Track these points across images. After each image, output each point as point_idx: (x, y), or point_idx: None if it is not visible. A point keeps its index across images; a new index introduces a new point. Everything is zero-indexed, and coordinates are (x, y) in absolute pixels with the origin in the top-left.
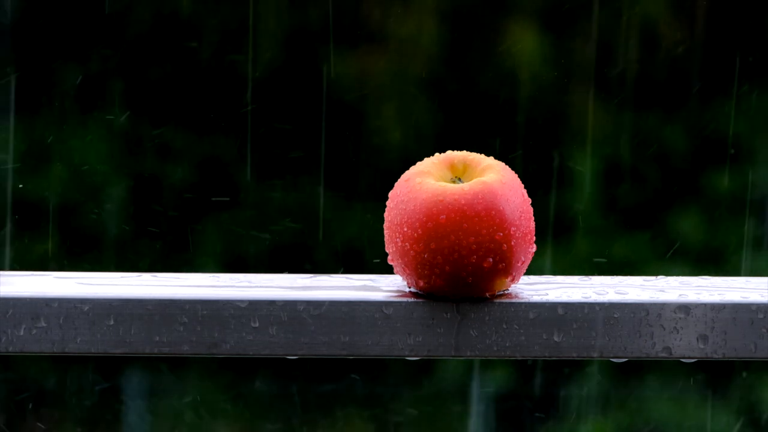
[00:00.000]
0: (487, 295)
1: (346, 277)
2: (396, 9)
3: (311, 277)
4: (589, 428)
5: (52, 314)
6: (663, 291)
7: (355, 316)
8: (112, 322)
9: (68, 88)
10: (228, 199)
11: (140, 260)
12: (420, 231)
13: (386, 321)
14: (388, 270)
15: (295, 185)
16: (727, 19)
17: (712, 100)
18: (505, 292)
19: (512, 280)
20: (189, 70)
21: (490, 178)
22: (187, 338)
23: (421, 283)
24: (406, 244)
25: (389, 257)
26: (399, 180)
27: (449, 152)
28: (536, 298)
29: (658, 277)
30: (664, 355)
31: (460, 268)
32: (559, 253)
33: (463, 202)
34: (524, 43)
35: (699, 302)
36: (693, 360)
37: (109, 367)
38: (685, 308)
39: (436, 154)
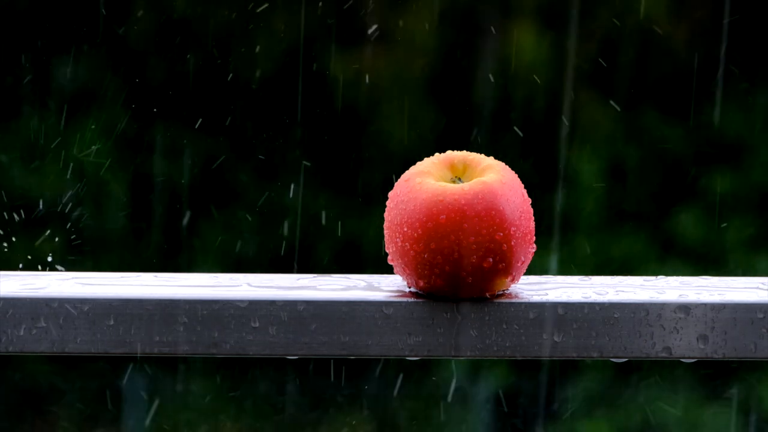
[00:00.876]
0: (487, 295)
1: (346, 277)
2: (396, 9)
3: (311, 277)
4: (588, 428)
5: (52, 314)
6: (663, 291)
7: (355, 316)
8: (112, 322)
9: (67, 88)
10: (227, 198)
11: (140, 260)
12: (420, 231)
13: (386, 321)
14: (388, 270)
15: (295, 185)
16: (728, 19)
17: (712, 100)
18: (505, 292)
19: (512, 280)
20: (189, 70)
21: (490, 178)
22: (187, 338)
23: (421, 283)
24: (406, 244)
25: (389, 257)
26: (399, 180)
27: (449, 152)
28: (536, 298)
29: (658, 277)
30: (664, 355)
31: (460, 268)
32: (559, 253)
33: (463, 202)
34: (524, 43)
35: (699, 302)
36: (693, 360)
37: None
38: (685, 308)
39: (436, 154)
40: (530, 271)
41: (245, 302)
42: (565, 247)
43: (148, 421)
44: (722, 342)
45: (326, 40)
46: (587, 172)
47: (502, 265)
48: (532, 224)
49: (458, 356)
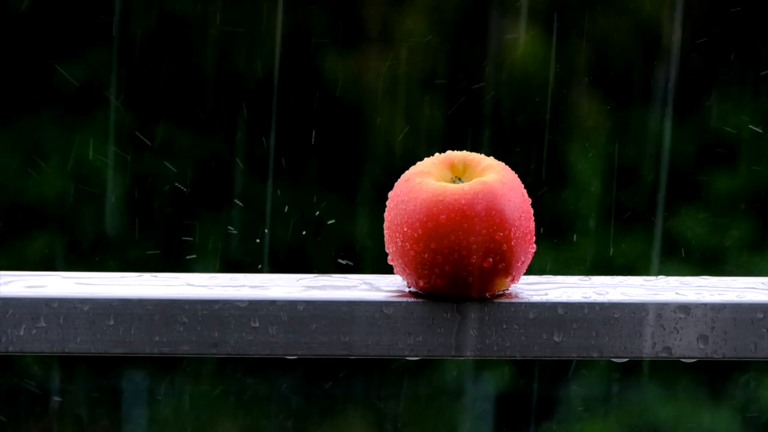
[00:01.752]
0: (487, 295)
1: (346, 277)
2: (396, 9)
3: (311, 277)
4: (588, 428)
5: (52, 314)
6: (663, 291)
7: (355, 316)
8: (112, 322)
9: (67, 88)
10: (227, 198)
11: (140, 260)
12: (420, 231)
13: (386, 321)
14: (388, 270)
15: (295, 185)
16: (728, 19)
17: (712, 100)
18: (505, 292)
19: (512, 280)
20: (188, 69)
21: (490, 178)
22: (187, 338)
23: (421, 283)
24: (406, 244)
25: (389, 257)
26: (399, 180)
27: (449, 152)
28: (536, 298)
29: (658, 277)
30: (664, 355)
31: (460, 268)
32: (559, 253)
33: (463, 202)
34: (524, 43)
35: (699, 302)
36: (693, 360)
37: (109, 367)
38: (685, 308)
39: (436, 154)
40: (530, 271)
41: (245, 302)
42: (564, 247)
43: (147, 422)
44: (722, 342)
45: (326, 40)
46: (587, 172)
47: (502, 265)
48: (532, 224)
49: (458, 356)
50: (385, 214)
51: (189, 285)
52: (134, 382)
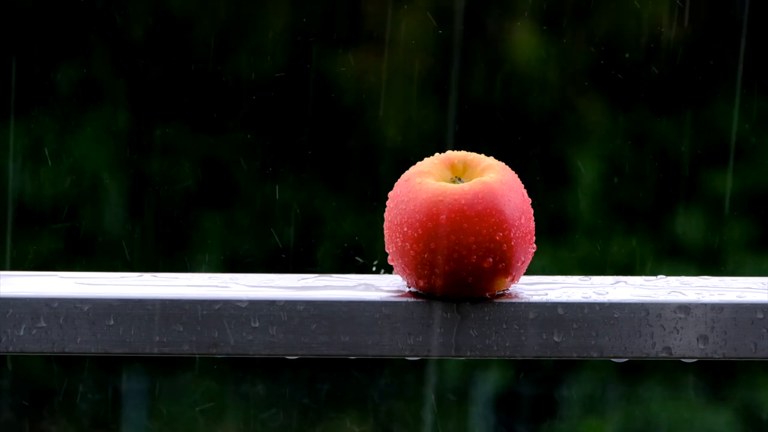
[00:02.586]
0: (487, 295)
1: (346, 277)
2: (395, 9)
3: (311, 277)
4: (588, 428)
5: (52, 314)
6: (663, 291)
7: (355, 316)
8: (112, 322)
9: (68, 88)
10: (227, 198)
11: (140, 260)
12: (420, 231)
13: (386, 321)
14: (388, 270)
15: (295, 185)
16: (728, 19)
17: (712, 100)
18: (505, 292)
19: (512, 280)
20: (188, 69)
21: (490, 178)
22: (187, 338)
23: (421, 283)
24: (406, 244)
25: (389, 257)
26: (399, 180)
27: (449, 152)
28: (536, 298)
29: (658, 277)
30: (664, 355)
31: (460, 268)
32: (559, 253)
33: (463, 202)
34: (524, 43)
35: (699, 302)
36: (693, 360)
37: (109, 367)
38: (685, 308)
39: (436, 154)
40: (530, 271)
41: (245, 302)
42: (564, 247)
43: (147, 421)
44: (722, 342)
45: (326, 39)
46: (587, 172)
47: (502, 265)
48: (532, 224)
49: (458, 356)
50: (385, 214)
51: (189, 285)
52: (134, 382)
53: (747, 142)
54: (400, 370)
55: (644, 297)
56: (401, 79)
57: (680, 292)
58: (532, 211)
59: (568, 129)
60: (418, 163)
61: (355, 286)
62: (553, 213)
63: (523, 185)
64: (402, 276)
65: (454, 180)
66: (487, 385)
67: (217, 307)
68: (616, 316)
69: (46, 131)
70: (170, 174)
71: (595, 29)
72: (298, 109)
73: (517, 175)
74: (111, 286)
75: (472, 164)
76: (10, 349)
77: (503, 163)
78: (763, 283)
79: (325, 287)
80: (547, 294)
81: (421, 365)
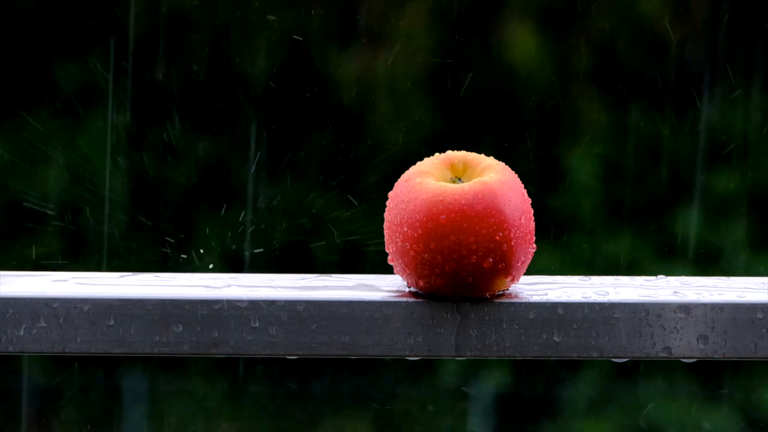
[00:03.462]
0: (487, 295)
1: (346, 277)
2: (395, 9)
3: (311, 277)
4: (588, 428)
5: (52, 314)
6: (663, 291)
7: (355, 316)
8: (112, 322)
9: (68, 87)
10: (228, 198)
11: (141, 260)
12: (420, 231)
13: (386, 321)
14: (388, 270)
15: (295, 185)
16: (728, 18)
17: (712, 100)
18: (505, 292)
19: (512, 280)
20: (188, 69)
21: (490, 178)
22: (187, 338)
23: (421, 283)
24: (406, 244)
25: (389, 257)
26: (399, 180)
27: (449, 152)
28: (536, 298)
29: (658, 277)
30: (664, 355)
31: (460, 268)
32: (559, 253)
33: (463, 202)
34: (523, 43)
35: (699, 302)
36: (693, 360)
37: (109, 367)
38: (685, 308)
39: (436, 154)
40: (530, 271)
41: (245, 302)
42: (564, 247)
43: (147, 421)
44: (722, 342)
45: (326, 39)
46: (586, 172)
47: (502, 265)
48: (532, 224)
49: (458, 356)
50: (385, 214)
51: (189, 285)
52: (134, 382)
53: (747, 141)
54: (399, 370)
55: (644, 297)
56: (401, 79)
57: (680, 292)
58: (532, 211)
59: (568, 129)
60: (418, 163)
61: (355, 286)
62: (553, 213)
63: (523, 185)
64: (402, 276)
65: (454, 180)
66: (487, 385)
67: (217, 307)
68: (616, 316)
69: (47, 131)
70: (170, 174)
71: (595, 29)
72: (298, 108)
73: (517, 175)
74: (111, 286)
75: (472, 164)
76: (10, 349)
77: (503, 163)
78: (763, 283)
79: (325, 287)
80: (547, 294)
81: (420, 365)
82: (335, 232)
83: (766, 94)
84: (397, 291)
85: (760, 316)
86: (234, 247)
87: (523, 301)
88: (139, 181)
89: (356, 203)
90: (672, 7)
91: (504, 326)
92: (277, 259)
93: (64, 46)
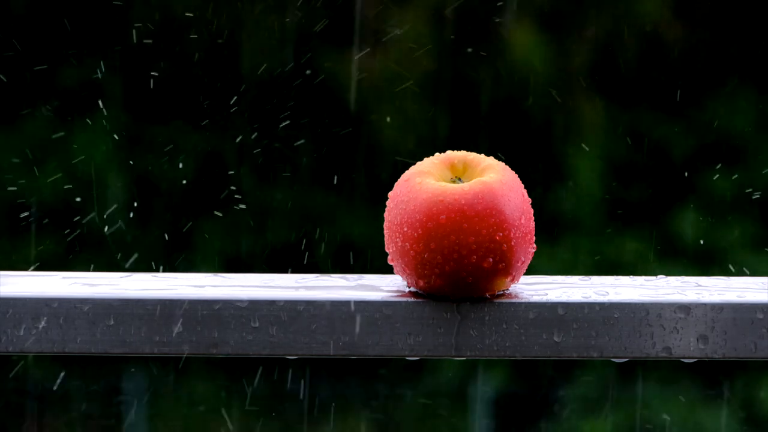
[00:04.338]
0: (487, 295)
1: (346, 277)
2: (395, 9)
3: (311, 277)
4: (588, 428)
5: (52, 314)
6: (663, 291)
7: (355, 316)
8: (112, 322)
9: (69, 87)
10: (227, 198)
11: (140, 260)
12: (420, 231)
13: (386, 321)
14: (388, 270)
15: (295, 185)
16: (728, 19)
17: (712, 100)
18: (505, 292)
19: (512, 280)
20: (188, 69)
21: (490, 178)
22: (187, 338)
23: (421, 283)
24: (406, 244)
25: (389, 257)
26: (399, 180)
27: (449, 152)
28: (536, 298)
29: (658, 277)
30: (664, 355)
31: (460, 268)
32: (559, 253)
33: (463, 202)
34: (523, 43)
35: (699, 302)
36: (693, 360)
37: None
38: (685, 308)
39: (436, 154)
40: (530, 271)
41: (245, 302)
42: (564, 247)
43: (147, 422)
44: (722, 342)
45: (326, 39)
46: (587, 172)
47: (502, 265)
48: (532, 224)
49: (458, 356)
50: (385, 214)
51: (189, 285)
52: (134, 382)
53: (747, 141)
54: (399, 370)
55: (644, 297)
56: (401, 79)
57: (680, 292)
58: (532, 211)
59: (568, 129)
60: (418, 163)
61: (355, 286)
62: (553, 213)
63: (523, 185)
64: (402, 276)
65: (454, 180)
66: (487, 385)
67: (217, 307)
68: (616, 316)
69: (47, 131)
70: (170, 174)
71: (595, 28)
72: (298, 108)
73: (517, 175)
74: (111, 286)
75: (472, 164)
76: (10, 349)
77: (503, 163)
78: (763, 283)
79: (325, 287)
80: (547, 294)
81: (420, 365)
82: (335, 232)
83: (766, 93)
84: (397, 291)
85: (760, 316)
86: (233, 247)
87: (523, 301)
88: (139, 181)
89: (356, 203)
90: (672, 7)
91: (504, 326)
92: (276, 259)
93: (63, 47)
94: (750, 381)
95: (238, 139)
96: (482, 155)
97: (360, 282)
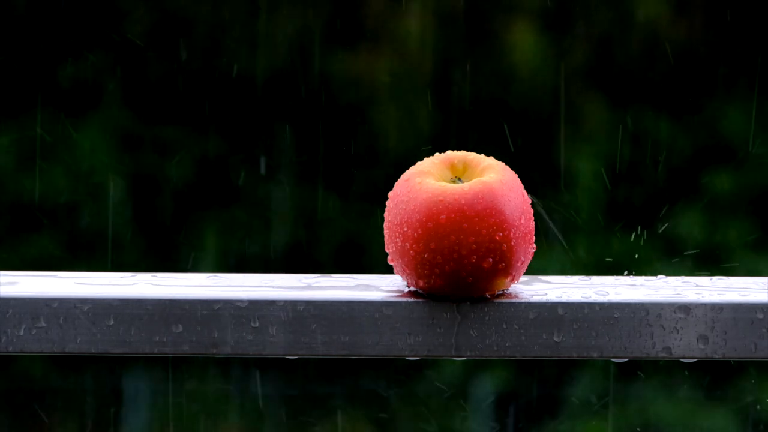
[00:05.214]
0: (487, 295)
1: (346, 277)
2: (396, 9)
3: (311, 277)
4: (588, 428)
5: (52, 314)
6: (663, 291)
7: (355, 316)
8: (112, 322)
9: (68, 87)
10: (227, 198)
11: (139, 259)
12: (420, 231)
13: (386, 321)
14: (388, 270)
15: (295, 185)
16: (728, 19)
17: (712, 100)
18: (505, 292)
19: (512, 280)
20: (188, 69)
21: (490, 178)
22: (187, 338)
23: (421, 283)
24: (406, 244)
25: (389, 257)
26: (399, 180)
27: (449, 152)
28: (536, 298)
29: (658, 277)
30: (664, 355)
31: (460, 268)
32: (559, 253)
33: (463, 202)
34: (523, 43)
35: (699, 302)
36: (693, 360)
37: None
38: (685, 308)
39: (436, 153)
40: (530, 271)
41: (245, 302)
42: (564, 247)
43: (148, 422)
44: (722, 342)
45: (326, 39)
46: (587, 172)
47: (502, 265)
48: (532, 224)
49: (458, 356)
50: (385, 214)
51: (189, 285)
52: (134, 382)
53: (747, 141)
54: (399, 370)
55: (644, 297)
56: (401, 79)
57: (680, 292)
58: (532, 211)
59: (568, 129)
60: (418, 163)
61: (355, 286)
62: (552, 213)
63: (523, 185)
64: (402, 276)
65: (454, 180)
66: (487, 385)
67: (217, 307)
68: (616, 316)
69: (47, 131)
70: (170, 174)
71: (595, 28)
72: (298, 108)
73: (517, 175)
74: (111, 286)
75: (472, 164)
76: (10, 349)
77: (503, 163)
78: (763, 283)
79: (325, 287)
80: (547, 294)
81: (420, 365)
82: (335, 232)
83: (766, 93)
84: (397, 291)
85: (760, 316)
86: (233, 247)
87: (523, 301)
88: (139, 181)
89: (356, 203)
90: (672, 7)
91: (504, 326)
92: (276, 259)
93: (63, 47)
94: (750, 381)
95: (238, 139)
96: (482, 155)
97: (360, 282)
